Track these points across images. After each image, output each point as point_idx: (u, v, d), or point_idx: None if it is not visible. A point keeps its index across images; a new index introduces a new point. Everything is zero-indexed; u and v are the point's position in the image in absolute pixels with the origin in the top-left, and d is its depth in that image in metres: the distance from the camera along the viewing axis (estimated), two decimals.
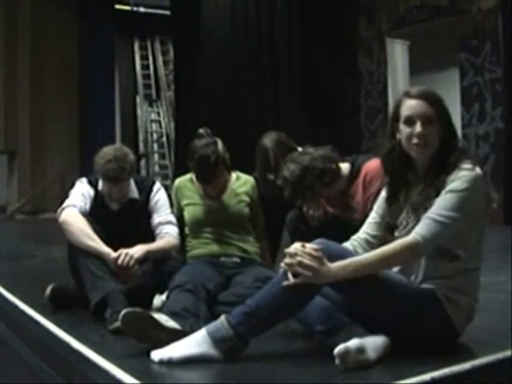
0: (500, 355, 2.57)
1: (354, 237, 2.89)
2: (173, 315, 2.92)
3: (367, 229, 2.88)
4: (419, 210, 2.64)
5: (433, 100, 2.66)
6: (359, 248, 2.82)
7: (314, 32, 11.93)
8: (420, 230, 2.53)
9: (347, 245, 2.84)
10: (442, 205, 2.55)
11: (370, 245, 2.84)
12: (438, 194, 2.59)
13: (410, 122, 2.66)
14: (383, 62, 11.92)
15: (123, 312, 2.71)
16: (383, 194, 2.88)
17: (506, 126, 9.70)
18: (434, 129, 2.63)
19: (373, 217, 2.89)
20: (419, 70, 12.01)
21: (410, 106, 2.67)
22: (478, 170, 2.59)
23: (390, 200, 2.80)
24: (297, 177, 3.60)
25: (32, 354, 3.38)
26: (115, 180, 3.79)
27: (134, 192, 3.97)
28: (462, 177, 2.55)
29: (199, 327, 2.70)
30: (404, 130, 2.68)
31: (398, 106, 2.73)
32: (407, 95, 2.71)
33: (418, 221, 2.62)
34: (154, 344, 2.65)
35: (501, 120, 9.85)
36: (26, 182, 15.13)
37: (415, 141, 2.64)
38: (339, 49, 11.98)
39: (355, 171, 3.62)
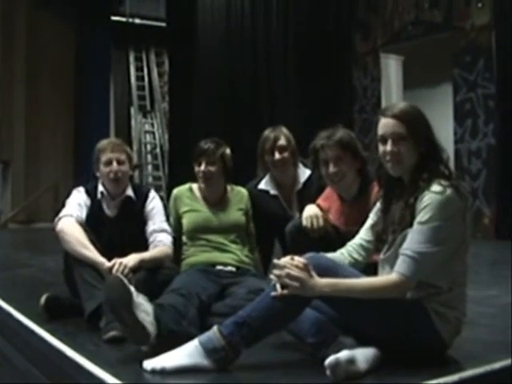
0: (488, 368, 2.60)
1: (350, 242, 2.96)
2: (158, 305, 2.97)
3: (362, 234, 2.95)
4: (396, 231, 2.70)
5: (405, 118, 2.67)
6: (354, 253, 2.90)
7: (309, 47, 11.98)
8: (400, 269, 2.57)
9: (342, 251, 2.92)
10: (415, 239, 2.58)
11: (365, 250, 2.91)
12: (413, 215, 2.63)
13: (382, 140, 2.72)
14: (377, 77, 11.98)
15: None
16: (379, 204, 2.93)
17: (498, 142, 9.74)
18: (406, 146, 2.67)
19: (369, 223, 2.95)
20: (413, 86, 12.07)
21: (382, 124, 2.73)
22: (448, 191, 2.57)
23: (383, 212, 2.85)
24: (348, 136, 3.67)
25: (26, 363, 3.39)
26: (116, 149, 3.94)
27: (131, 192, 4.03)
28: (427, 205, 2.56)
29: (181, 327, 2.88)
30: (379, 148, 2.74)
31: (376, 125, 2.78)
32: (382, 114, 2.76)
33: (398, 244, 2.67)
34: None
35: (493, 136, 9.91)
36: (19, 192, 15.10)
37: (387, 158, 2.70)
38: (334, 63, 12.03)
39: (369, 182, 3.61)
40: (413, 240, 2.59)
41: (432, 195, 2.57)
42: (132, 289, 2.80)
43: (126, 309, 2.74)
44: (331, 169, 3.61)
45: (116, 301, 2.76)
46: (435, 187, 2.58)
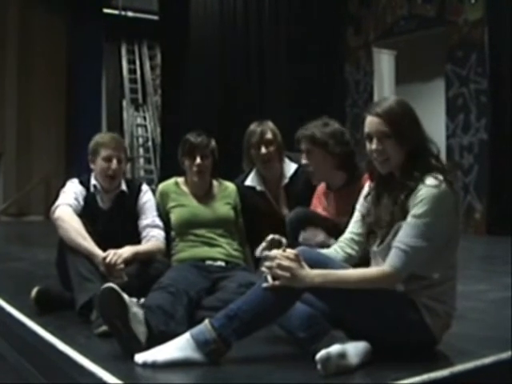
0: (478, 362, 2.61)
1: (341, 238, 2.97)
2: (146, 308, 2.95)
3: (352, 228, 2.95)
4: (387, 225, 2.71)
5: (388, 117, 2.69)
6: (346, 247, 2.90)
7: (301, 41, 11.97)
8: (392, 262, 2.59)
9: (335, 247, 2.93)
10: (407, 233, 2.60)
11: (356, 243, 2.91)
12: (405, 211, 2.64)
13: (368, 138, 2.75)
14: (370, 72, 11.98)
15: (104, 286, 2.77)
16: (364, 193, 2.95)
17: (490, 137, 9.77)
18: (391, 144, 2.68)
19: (356, 215, 2.96)
20: (405, 80, 12.09)
21: (367, 122, 2.76)
22: (443, 186, 2.60)
23: (374, 204, 2.86)
24: (339, 130, 3.75)
25: (18, 356, 3.39)
26: (118, 146, 3.98)
27: (124, 186, 4.04)
28: (423, 199, 2.58)
29: (169, 328, 2.86)
30: (366, 145, 2.77)
31: (363, 122, 2.80)
32: (367, 111, 2.78)
33: (391, 237, 2.68)
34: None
35: (485, 131, 9.92)
36: (11, 184, 15.06)
37: (374, 156, 2.73)
38: (326, 57, 12.02)
39: (358, 174, 3.61)
40: (406, 233, 2.60)
41: (428, 189, 2.59)
42: (127, 300, 2.77)
43: (121, 322, 2.73)
44: (303, 160, 3.77)
45: (112, 316, 2.74)
46: (430, 181, 2.60)
